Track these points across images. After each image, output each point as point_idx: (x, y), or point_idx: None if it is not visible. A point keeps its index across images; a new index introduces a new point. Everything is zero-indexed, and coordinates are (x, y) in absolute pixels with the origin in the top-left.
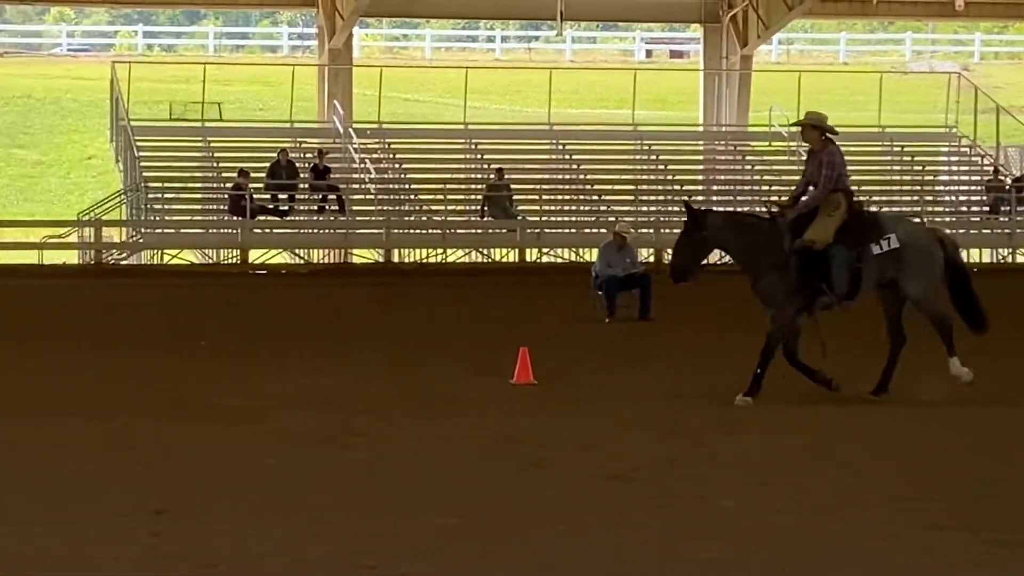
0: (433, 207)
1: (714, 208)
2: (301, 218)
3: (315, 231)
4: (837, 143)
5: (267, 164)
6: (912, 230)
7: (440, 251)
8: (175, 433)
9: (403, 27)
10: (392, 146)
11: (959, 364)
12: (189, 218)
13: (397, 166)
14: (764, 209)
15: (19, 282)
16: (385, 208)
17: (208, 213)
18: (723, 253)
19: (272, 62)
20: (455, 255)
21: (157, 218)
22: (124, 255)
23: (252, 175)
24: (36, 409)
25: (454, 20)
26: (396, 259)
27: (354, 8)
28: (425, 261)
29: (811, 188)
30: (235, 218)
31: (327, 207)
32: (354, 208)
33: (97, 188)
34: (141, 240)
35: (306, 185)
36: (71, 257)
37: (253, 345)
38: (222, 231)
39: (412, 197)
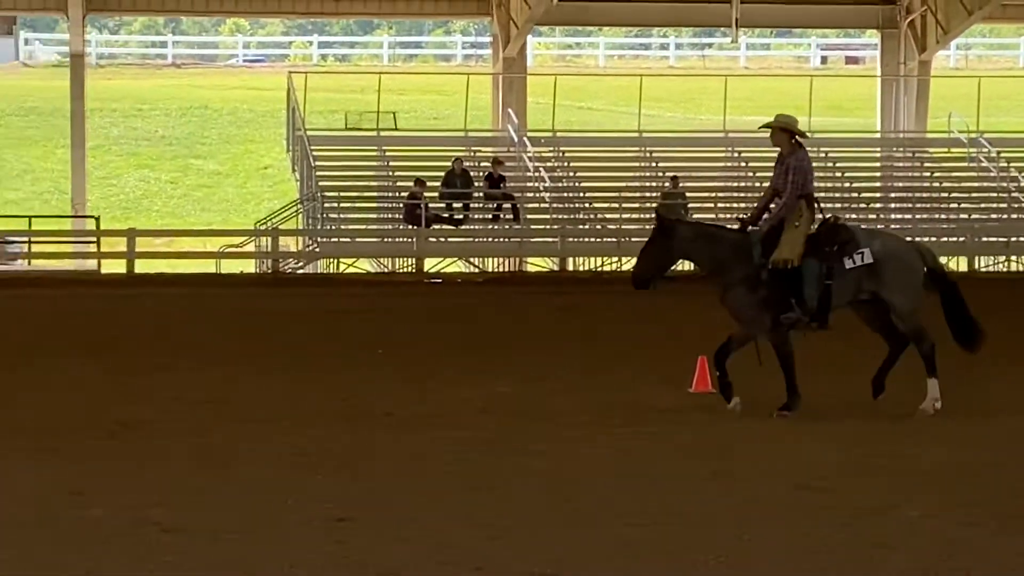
0: (607, 215)
1: (684, 218)
2: (476, 227)
3: (490, 240)
4: (806, 148)
5: (442, 173)
6: (889, 243)
7: (615, 259)
8: (356, 440)
9: (576, 35)
10: (566, 154)
11: (936, 387)
12: (364, 227)
13: (571, 174)
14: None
15: (197, 291)
16: (559, 216)
17: (383, 222)
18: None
19: (446, 71)
20: (630, 263)
21: (333, 227)
22: (300, 264)
23: (427, 184)
24: (223, 416)
25: (627, 28)
26: (571, 267)
27: (528, 16)
28: (600, 269)
29: (778, 198)
30: (410, 227)
31: (501, 216)
32: (528, 216)
33: (273, 198)
34: (317, 249)
35: (481, 194)
36: (248, 266)
37: (431, 353)
38: (397, 240)
39: (586, 205)
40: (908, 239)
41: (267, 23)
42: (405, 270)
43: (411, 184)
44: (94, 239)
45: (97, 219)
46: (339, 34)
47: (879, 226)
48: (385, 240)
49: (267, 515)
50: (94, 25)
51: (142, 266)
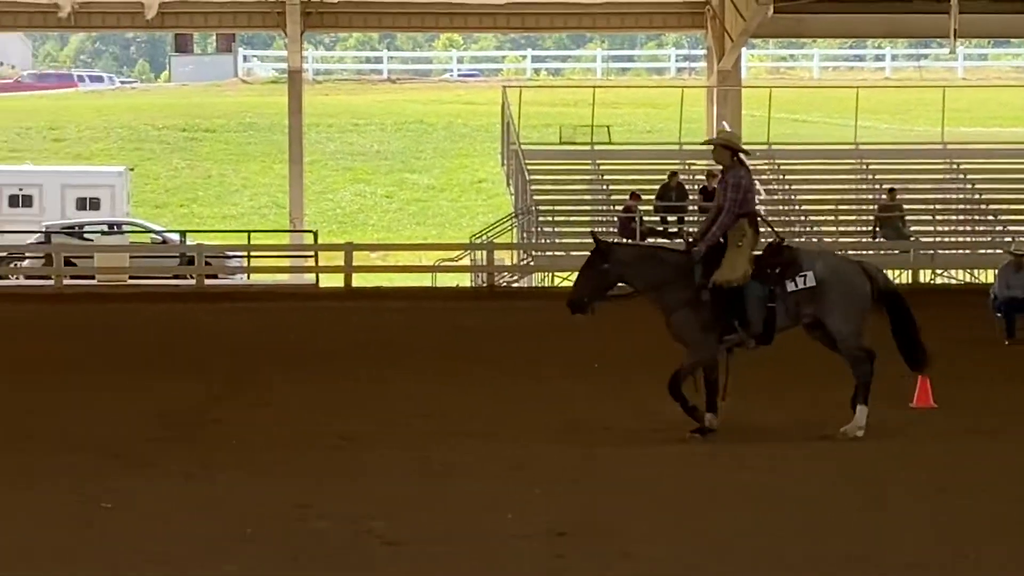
0: (824, 228)
1: (623, 241)
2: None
3: None
4: (747, 165)
5: (655, 186)
6: (833, 264)
7: None
8: (572, 454)
9: (790, 47)
10: (781, 167)
11: (864, 417)
12: (579, 240)
13: (787, 187)
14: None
15: (413, 304)
16: (778, 230)
17: None
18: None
19: (660, 84)
20: None
21: (547, 241)
22: (515, 278)
23: (642, 197)
24: (441, 429)
25: (842, 39)
26: None
27: (743, 29)
28: None
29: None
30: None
31: None
32: None
33: (487, 211)
34: (532, 263)
35: (696, 207)
36: (464, 280)
37: (646, 367)
38: None
39: (802, 218)
40: (855, 259)
41: (480, 38)
42: None
43: (625, 198)
44: (312, 253)
45: (315, 233)
46: (552, 48)
47: None
48: None
49: (486, 528)
50: (310, 42)
51: (359, 279)
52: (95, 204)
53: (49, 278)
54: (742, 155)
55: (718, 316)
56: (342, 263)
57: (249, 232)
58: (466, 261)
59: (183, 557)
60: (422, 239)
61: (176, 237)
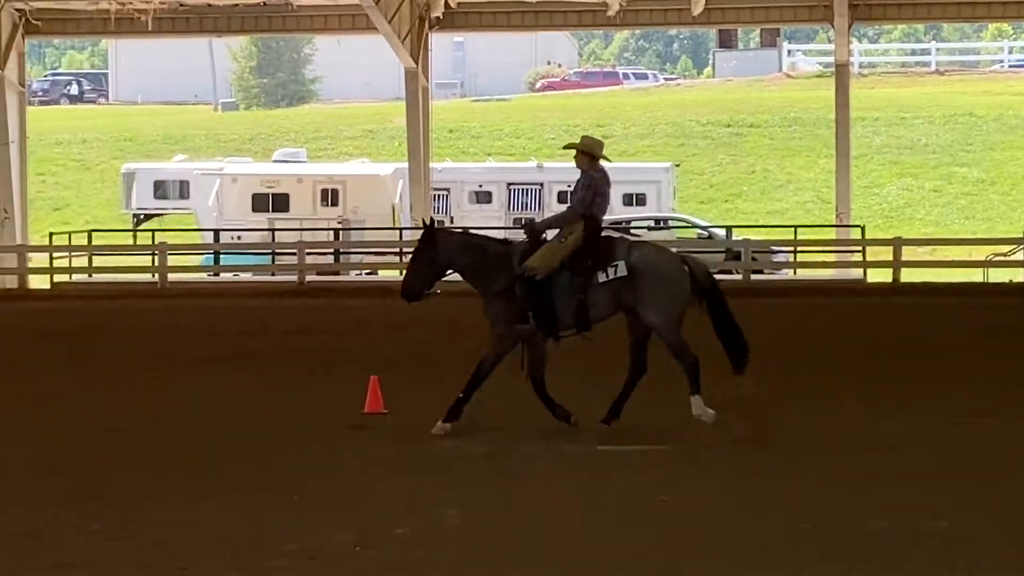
0: None
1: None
2: None
3: None
4: (605, 169)
5: None
6: (649, 255)
7: None
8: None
9: None
10: None
11: (701, 403)
12: None
13: None
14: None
15: (963, 300)
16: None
17: None
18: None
19: None
20: None
21: None
22: None
23: None
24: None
25: None
26: None
27: None
28: None
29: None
30: None
31: None
32: None
33: None
34: None
35: None
36: (1017, 275)
37: None
38: None
39: None
40: (676, 251)
41: None
42: None
43: None
44: (859, 248)
45: (862, 228)
46: None
47: None
48: None
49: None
50: (855, 34)
51: (907, 275)
52: (641, 200)
53: None
54: (601, 161)
55: (526, 306)
56: (890, 258)
57: (795, 227)
58: (1020, 256)
59: (739, 554)
60: (971, 234)
61: (722, 232)
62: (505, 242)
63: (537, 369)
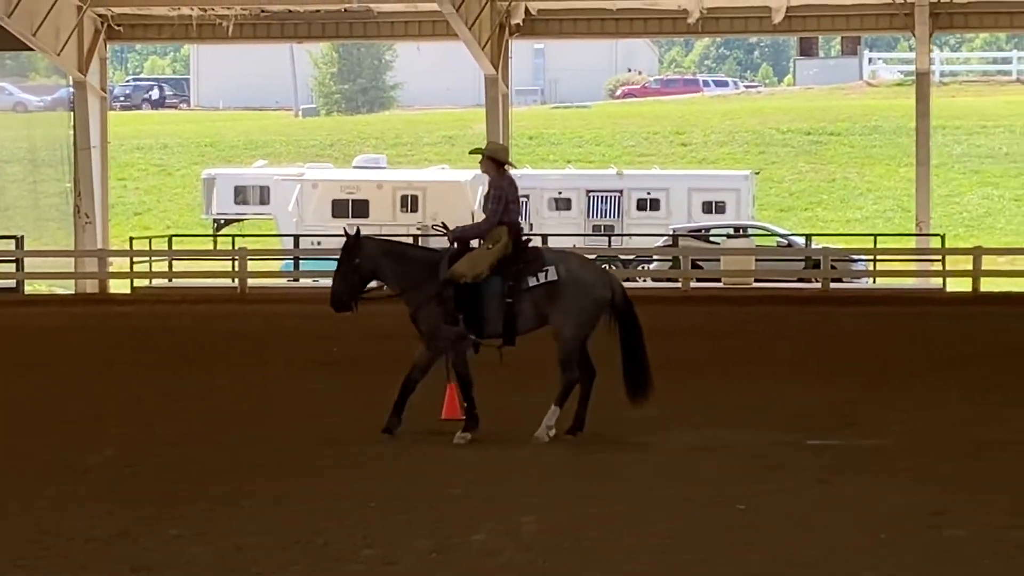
0: None
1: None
2: None
3: None
4: (511, 175)
5: None
6: (575, 267)
7: None
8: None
9: None
10: None
11: (554, 418)
12: None
13: None
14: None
15: None
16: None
17: None
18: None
19: None
20: None
21: None
22: None
23: None
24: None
25: None
26: None
27: None
28: None
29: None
30: None
31: None
32: None
33: None
34: None
35: None
36: None
37: None
38: None
39: None
40: (602, 268)
41: None
42: None
43: None
44: (939, 257)
45: (942, 237)
46: None
47: None
48: None
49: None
50: (936, 43)
51: (987, 284)
52: (720, 208)
53: (676, 280)
54: (507, 167)
55: (455, 311)
56: (970, 267)
57: (875, 236)
58: None
59: (821, 560)
60: None
61: (801, 241)
62: (429, 249)
63: (418, 375)
